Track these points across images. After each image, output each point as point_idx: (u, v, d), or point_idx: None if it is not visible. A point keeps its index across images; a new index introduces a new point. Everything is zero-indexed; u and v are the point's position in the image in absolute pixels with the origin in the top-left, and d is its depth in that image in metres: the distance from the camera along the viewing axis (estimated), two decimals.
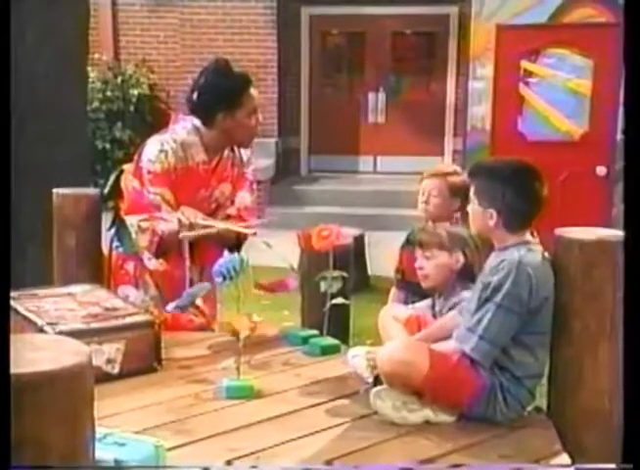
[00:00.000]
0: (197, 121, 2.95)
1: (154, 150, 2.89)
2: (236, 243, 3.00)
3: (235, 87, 2.87)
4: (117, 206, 3.03)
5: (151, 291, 2.99)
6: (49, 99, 4.09)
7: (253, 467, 1.93)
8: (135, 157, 2.99)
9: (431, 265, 2.68)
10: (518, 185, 2.25)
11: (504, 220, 2.24)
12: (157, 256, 2.90)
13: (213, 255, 2.96)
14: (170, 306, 2.66)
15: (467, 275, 2.62)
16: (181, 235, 2.79)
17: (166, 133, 2.97)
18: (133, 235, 2.91)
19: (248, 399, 2.32)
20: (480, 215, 2.29)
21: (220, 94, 2.85)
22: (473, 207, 2.32)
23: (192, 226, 2.80)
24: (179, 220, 2.80)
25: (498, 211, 2.23)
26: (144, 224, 2.86)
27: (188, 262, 2.87)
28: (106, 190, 3.09)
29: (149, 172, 2.87)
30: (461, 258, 2.65)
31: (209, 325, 3.06)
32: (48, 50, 4.07)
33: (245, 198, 3.10)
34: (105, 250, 3.14)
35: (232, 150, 3.08)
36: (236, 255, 2.46)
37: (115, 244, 3.06)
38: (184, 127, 2.96)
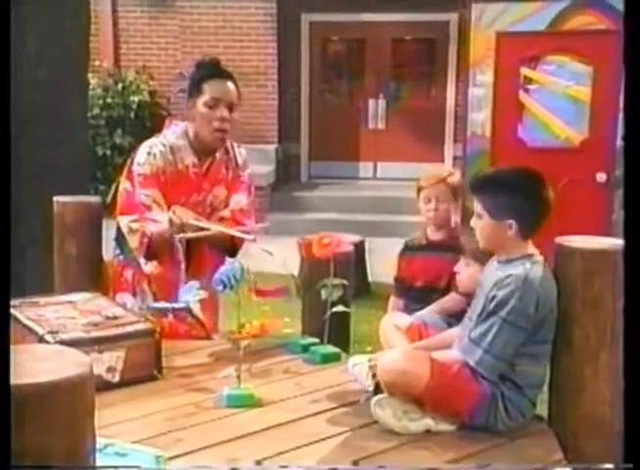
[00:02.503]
0: (187, 126, 2.96)
1: (143, 153, 2.92)
2: (231, 246, 2.98)
3: (197, 73, 2.90)
4: None
5: (148, 299, 2.98)
6: (50, 105, 4.09)
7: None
8: (128, 161, 3.00)
9: (467, 274, 2.67)
10: (530, 192, 2.24)
11: (520, 229, 2.23)
12: (147, 257, 2.90)
13: (209, 259, 2.95)
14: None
15: None
16: (178, 236, 2.76)
17: (157, 138, 2.99)
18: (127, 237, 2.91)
19: (248, 408, 2.32)
20: (494, 228, 2.25)
21: (189, 81, 2.89)
22: (483, 221, 2.27)
23: (184, 226, 2.75)
24: (170, 220, 2.75)
25: (517, 221, 2.21)
26: (134, 225, 2.86)
27: (183, 266, 2.86)
28: (109, 198, 3.10)
29: (139, 175, 2.89)
30: None
31: (208, 336, 3.04)
32: (49, 56, 4.07)
33: (240, 201, 3.05)
34: (107, 257, 3.14)
35: (227, 152, 3.06)
36: (236, 263, 2.45)
37: (117, 251, 3.06)
38: (174, 132, 2.99)
